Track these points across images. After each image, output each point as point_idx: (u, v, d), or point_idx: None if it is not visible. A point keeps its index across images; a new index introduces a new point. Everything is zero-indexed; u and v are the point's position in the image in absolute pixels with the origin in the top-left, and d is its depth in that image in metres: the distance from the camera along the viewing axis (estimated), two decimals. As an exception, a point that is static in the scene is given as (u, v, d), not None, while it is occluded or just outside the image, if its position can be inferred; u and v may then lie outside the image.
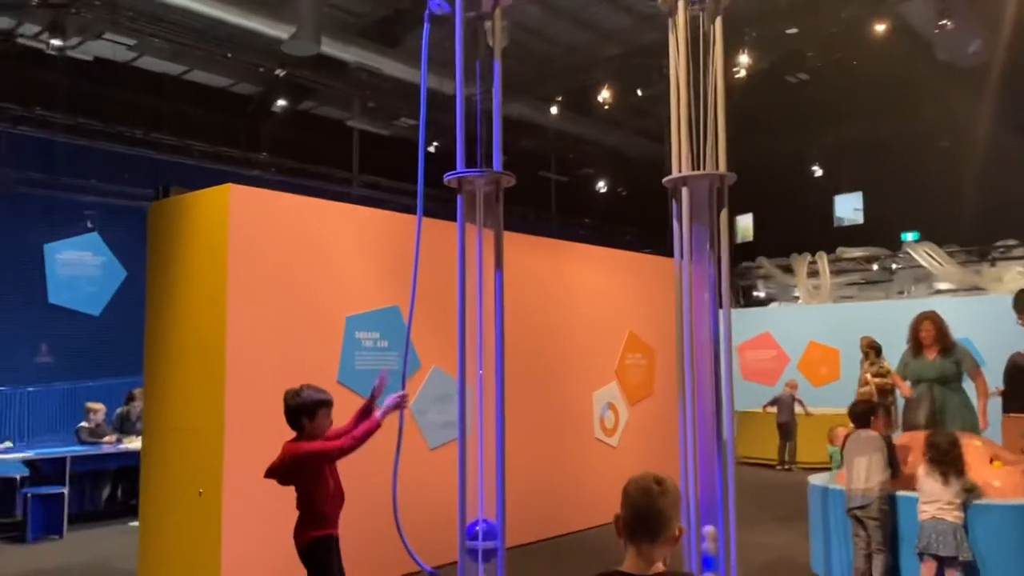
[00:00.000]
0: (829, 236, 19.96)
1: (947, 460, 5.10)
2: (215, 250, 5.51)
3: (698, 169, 4.36)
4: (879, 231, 18.73)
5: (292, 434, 4.13)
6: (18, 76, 12.83)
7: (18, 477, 7.99)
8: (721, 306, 4.39)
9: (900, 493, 5.44)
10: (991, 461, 5.40)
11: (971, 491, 5.14)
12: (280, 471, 4.02)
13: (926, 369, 6.67)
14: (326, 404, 4.14)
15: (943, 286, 16.32)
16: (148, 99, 15.55)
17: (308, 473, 3.94)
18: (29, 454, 8.32)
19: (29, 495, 7.69)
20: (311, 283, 5.91)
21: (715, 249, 4.37)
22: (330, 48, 14.06)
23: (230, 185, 5.53)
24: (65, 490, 7.92)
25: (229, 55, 14.17)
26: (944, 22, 12.20)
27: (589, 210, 22.60)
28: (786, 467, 11.64)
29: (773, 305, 18.51)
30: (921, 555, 5.08)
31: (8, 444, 9.06)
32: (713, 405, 4.31)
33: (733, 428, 9.89)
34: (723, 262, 4.35)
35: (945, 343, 6.76)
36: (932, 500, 5.08)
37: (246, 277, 5.49)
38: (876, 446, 5.47)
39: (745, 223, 23.19)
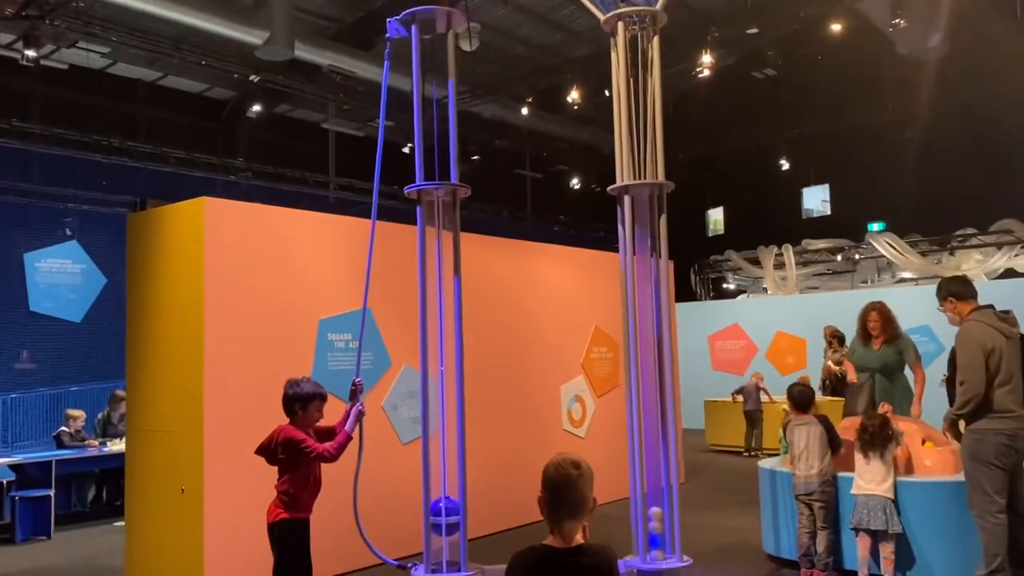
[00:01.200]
0: (798, 228, 20.43)
1: (876, 440, 5.50)
2: (192, 260, 5.80)
3: (640, 178, 4.71)
4: (846, 222, 19.20)
5: (270, 428, 4.41)
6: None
7: (4, 481, 8.23)
8: (662, 301, 4.74)
9: (841, 474, 5.82)
10: (923, 442, 5.79)
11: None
12: (268, 450, 4.32)
13: (870, 358, 6.99)
14: (320, 398, 4.44)
15: (906, 275, 16.81)
16: (124, 105, 15.73)
17: (292, 458, 4.24)
18: (15, 458, 8.56)
19: (16, 498, 7.93)
20: (285, 289, 6.21)
21: (656, 250, 4.72)
22: (304, 52, 14.32)
23: (204, 198, 5.82)
24: (51, 492, 8.18)
25: (203, 62, 14.40)
26: (897, 20, 12.59)
27: (564, 207, 22.95)
28: (753, 454, 12.04)
29: (742, 297, 18.95)
30: (856, 530, 5.47)
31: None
32: (657, 393, 4.66)
33: (677, 415, 10.24)
34: (663, 261, 4.70)
35: (890, 333, 7.04)
36: (864, 477, 5.47)
37: (222, 285, 5.79)
38: (815, 431, 5.83)
39: (716, 216, 23.66)
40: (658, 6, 4.74)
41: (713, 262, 19.31)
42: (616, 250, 4.97)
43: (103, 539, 7.84)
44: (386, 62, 4.85)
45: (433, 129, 4.67)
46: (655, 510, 4.58)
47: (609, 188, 4.80)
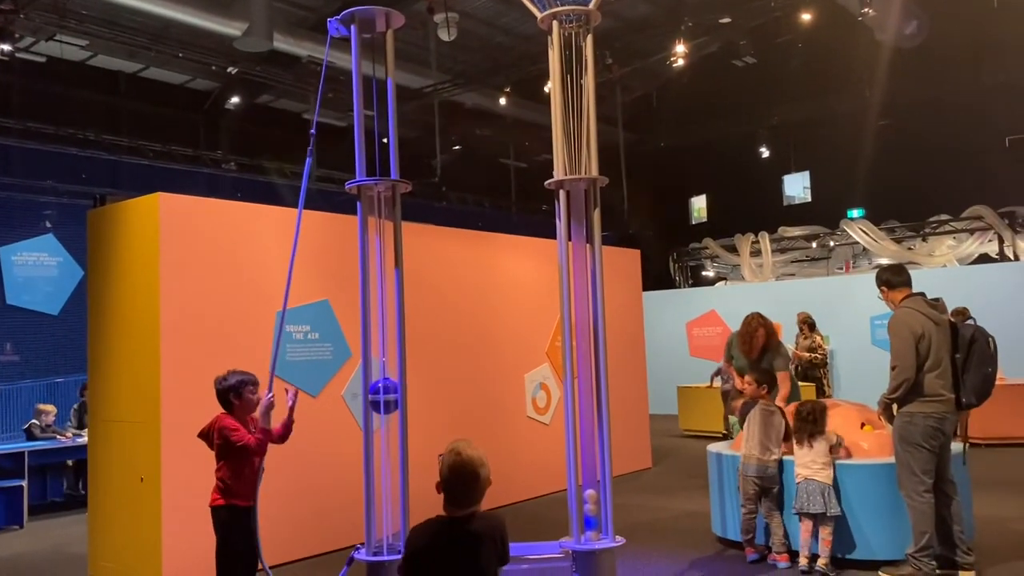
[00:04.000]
0: (780, 215, 20.60)
1: (808, 425, 5.67)
2: (147, 254, 5.94)
3: (575, 173, 4.85)
4: (826, 209, 19.36)
5: None
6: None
7: (-23, 472, 8.38)
8: (597, 290, 4.88)
9: (786, 457, 5.99)
10: (862, 426, 5.96)
11: (837, 445, 5.71)
12: (208, 435, 4.50)
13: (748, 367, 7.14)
14: (250, 383, 4.56)
15: (883, 261, 16.96)
16: (105, 97, 15.80)
17: (225, 448, 4.40)
18: (-11, 450, 8.72)
19: (-10, 488, 8.10)
20: (242, 281, 6.35)
21: (591, 241, 4.87)
22: (283, 44, 14.40)
23: (159, 193, 5.95)
24: (24, 483, 8.34)
25: (181, 54, 14.47)
26: (866, 10, 12.70)
27: (548, 196, 23.01)
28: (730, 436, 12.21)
29: (719, 284, 19.12)
30: (798, 514, 5.64)
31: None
32: (592, 377, 4.82)
33: (644, 400, 10.43)
34: (597, 251, 4.84)
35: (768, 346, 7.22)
36: (803, 463, 5.64)
37: (178, 278, 5.93)
38: (778, 418, 5.99)
39: (700, 204, 23.80)
40: (591, 5, 4.86)
41: (692, 250, 19.46)
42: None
43: (74, 528, 8.00)
44: (324, 60, 4.96)
45: (386, 123, 4.78)
46: (590, 492, 4.73)
47: (547, 183, 4.94)
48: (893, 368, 5.32)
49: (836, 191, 19.98)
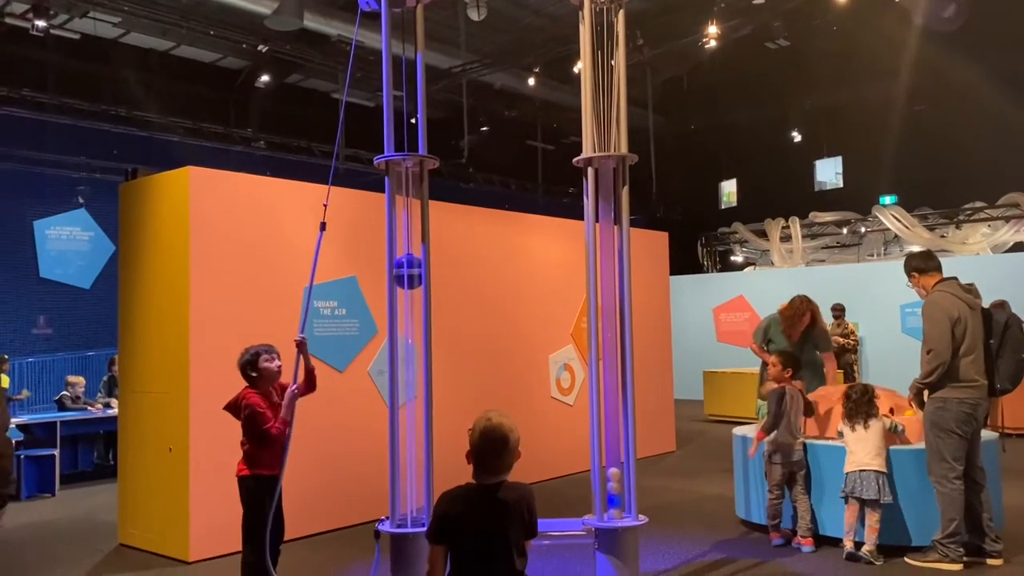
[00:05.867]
0: (811, 200, 20.35)
1: (863, 407, 5.55)
2: (178, 228, 5.99)
3: (604, 151, 4.81)
4: (858, 195, 19.10)
5: None
6: (5, 56, 13.22)
7: (13, 441, 8.53)
8: (624, 271, 4.85)
9: (814, 442, 5.94)
10: (891, 411, 5.88)
11: (894, 430, 5.62)
12: (233, 409, 4.54)
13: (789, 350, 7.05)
14: (263, 352, 4.58)
15: (913, 248, 16.72)
16: (136, 74, 15.93)
17: (250, 426, 4.44)
18: (22, 419, 8.88)
19: (23, 457, 8.25)
20: (270, 256, 6.38)
21: (619, 220, 4.84)
22: (313, 22, 14.42)
23: (190, 168, 5.99)
24: (56, 452, 8.50)
25: (212, 32, 14.54)
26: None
27: (575, 178, 22.92)
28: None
29: (748, 269, 18.95)
30: (846, 498, 5.53)
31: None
32: (617, 356, 4.80)
33: (668, 384, 10.36)
34: (625, 230, 4.81)
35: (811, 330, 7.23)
36: (858, 449, 5.47)
37: (207, 251, 5.98)
38: (798, 403, 5.93)
39: (730, 188, 23.58)
40: (623, -19, 4.80)
41: (720, 235, 19.30)
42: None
43: (104, 497, 8.14)
44: (355, 34, 4.94)
45: (414, 101, 4.78)
46: (613, 471, 4.73)
47: (574, 160, 4.90)
48: (928, 352, 5.22)
49: (868, 177, 19.69)
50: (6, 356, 10.35)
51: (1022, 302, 5.56)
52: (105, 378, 10.03)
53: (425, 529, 4.55)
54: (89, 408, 9.43)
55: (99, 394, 9.96)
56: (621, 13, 4.85)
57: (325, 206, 4.73)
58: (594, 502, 4.70)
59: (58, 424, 8.72)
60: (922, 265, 5.52)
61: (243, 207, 6.27)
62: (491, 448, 2.73)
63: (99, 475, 9.31)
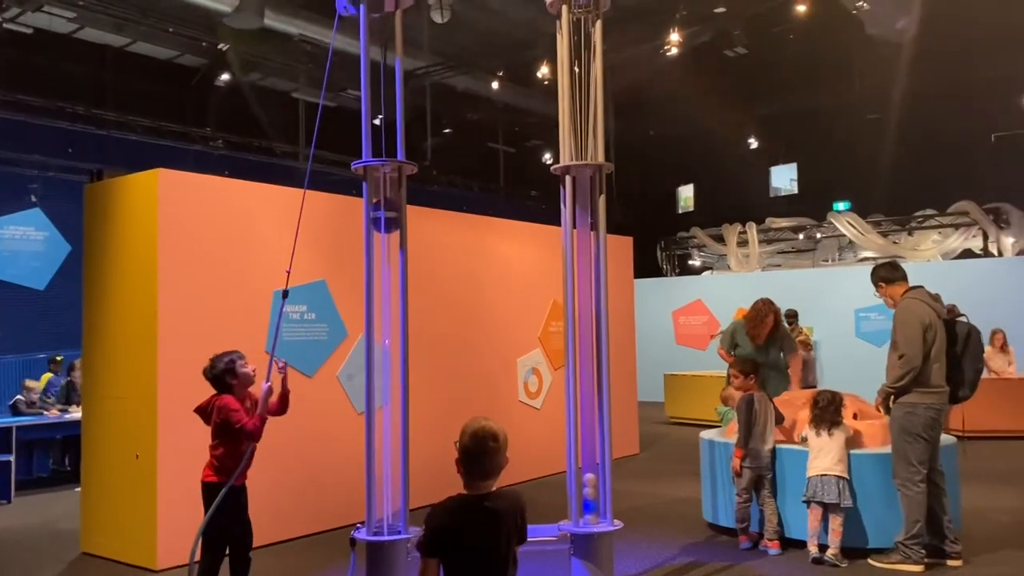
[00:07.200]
0: (767, 206, 20.70)
1: (829, 415, 5.67)
2: (146, 230, 5.90)
3: (581, 159, 4.86)
4: (814, 201, 19.48)
5: None
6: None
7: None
8: (601, 277, 4.91)
9: (780, 446, 6.06)
10: (854, 416, 6.03)
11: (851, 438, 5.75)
12: (206, 411, 4.50)
13: (755, 353, 7.21)
14: (238, 358, 4.55)
15: (867, 254, 17.12)
16: (91, 71, 15.58)
17: (223, 427, 4.40)
18: (-26, 424, 8.64)
19: (-24, 462, 8.04)
20: (240, 260, 6.31)
21: (596, 227, 4.89)
22: (273, 21, 14.26)
23: (159, 170, 5.90)
24: (12, 458, 8.28)
25: (171, 29, 14.30)
26: (861, 3, 12.75)
27: (536, 181, 23.03)
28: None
29: (706, 273, 19.22)
30: (808, 502, 5.65)
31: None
32: (594, 364, 4.85)
33: (633, 387, 10.44)
34: (602, 238, 4.86)
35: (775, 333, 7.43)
36: (821, 455, 5.60)
37: (176, 255, 5.89)
38: (770, 406, 6.04)
39: (687, 194, 23.87)
40: (601, -10, 4.86)
41: (679, 239, 19.54)
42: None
43: (62, 504, 7.97)
44: (332, 37, 4.93)
45: (396, 104, 4.77)
46: (589, 476, 4.78)
47: (552, 168, 4.94)
48: (900, 357, 5.36)
49: (822, 184, 20.12)
50: None
51: (970, 307, 5.75)
52: (63, 382, 9.79)
53: (403, 537, 4.57)
54: (45, 413, 9.21)
55: (54, 399, 9.72)
56: (599, 24, 4.90)
57: (288, 272, 4.68)
58: (570, 507, 4.74)
59: (13, 429, 8.50)
60: (889, 275, 5.68)
61: (212, 210, 6.20)
62: (482, 448, 2.73)
63: (56, 481, 9.11)
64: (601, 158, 4.85)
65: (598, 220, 4.88)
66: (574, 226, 4.91)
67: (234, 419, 4.36)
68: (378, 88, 4.79)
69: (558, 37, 4.92)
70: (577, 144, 4.87)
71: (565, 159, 4.86)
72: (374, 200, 4.71)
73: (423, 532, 2.73)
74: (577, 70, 4.88)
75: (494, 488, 2.79)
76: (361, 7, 4.77)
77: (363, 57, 4.73)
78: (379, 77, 4.81)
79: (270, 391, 4.52)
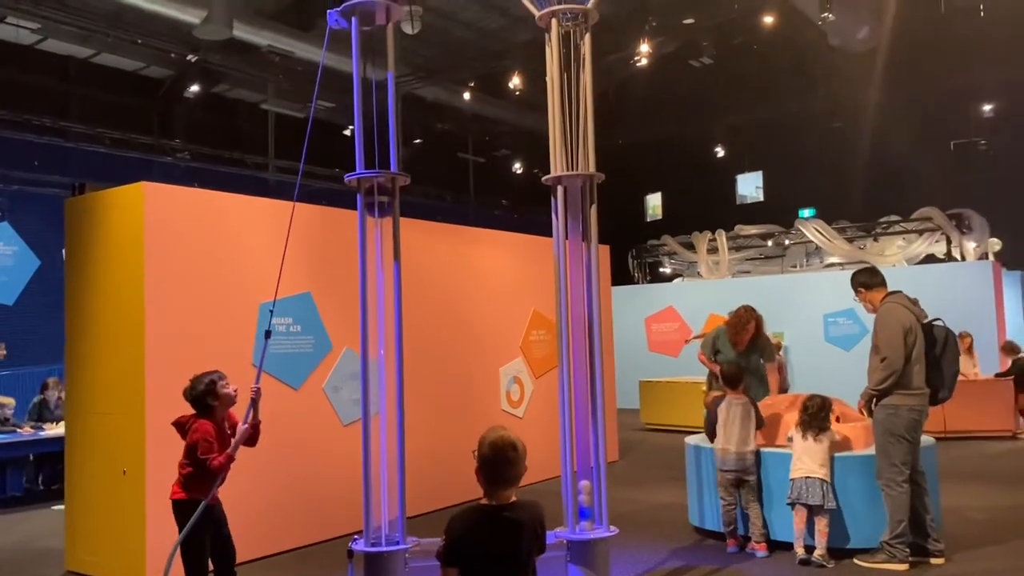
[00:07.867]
0: (733, 213, 21.01)
1: (817, 420, 5.78)
2: (131, 245, 5.84)
3: (572, 169, 4.92)
4: (779, 208, 19.81)
5: None
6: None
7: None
8: (593, 287, 4.97)
9: (764, 449, 6.16)
10: (836, 419, 6.15)
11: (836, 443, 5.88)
12: (183, 429, 4.48)
13: (736, 359, 7.29)
14: (219, 378, 4.52)
15: (834, 260, 17.44)
16: (56, 83, 15.37)
17: (193, 451, 4.37)
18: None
19: (-52, 482, 7.87)
20: (225, 273, 6.28)
21: (587, 237, 4.96)
22: (242, 32, 14.19)
23: (143, 183, 5.86)
24: (-15, 476, 8.13)
25: (139, 40, 14.16)
26: (826, 15, 13.04)
27: (506, 191, 23.12)
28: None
29: (677, 281, 19.42)
30: (792, 504, 5.76)
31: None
32: (587, 373, 4.91)
33: (611, 394, 10.50)
34: (594, 249, 4.93)
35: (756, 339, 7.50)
36: (805, 459, 5.71)
37: (162, 269, 5.85)
38: (747, 410, 6.14)
39: (655, 202, 24.13)
40: (590, 4, 4.94)
41: (650, 247, 19.74)
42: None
43: (40, 522, 7.82)
44: (323, 53, 4.95)
45: (374, 116, 4.80)
46: (584, 483, 4.83)
47: (544, 179, 5.00)
48: (882, 360, 5.49)
49: (787, 191, 20.48)
50: None
51: (936, 311, 5.93)
52: (36, 399, 9.62)
53: (401, 548, 4.57)
54: (18, 431, 9.05)
55: (27, 417, 9.54)
56: (587, 36, 4.98)
57: (271, 311, 4.66)
58: (566, 514, 4.79)
59: (-13, 447, 8.34)
60: (868, 281, 5.83)
61: (199, 223, 6.16)
62: (503, 457, 2.75)
63: (30, 500, 8.93)
64: (592, 168, 4.92)
65: (590, 229, 4.94)
66: (566, 236, 4.96)
67: (202, 450, 4.32)
68: (366, 100, 4.81)
69: (547, 49, 4.99)
70: (568, 155, 4.93)
71: (556, 170, 4.93)
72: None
73: (443, 541, 2.75)
74: (565, 79, 4.94)
75: (513, 497, 2.81)
76: (353, 20, 4.80)
77: (356, 71, 4.76)
78: (359, 88, 4.81)
79: (247, 432, 4.48)
